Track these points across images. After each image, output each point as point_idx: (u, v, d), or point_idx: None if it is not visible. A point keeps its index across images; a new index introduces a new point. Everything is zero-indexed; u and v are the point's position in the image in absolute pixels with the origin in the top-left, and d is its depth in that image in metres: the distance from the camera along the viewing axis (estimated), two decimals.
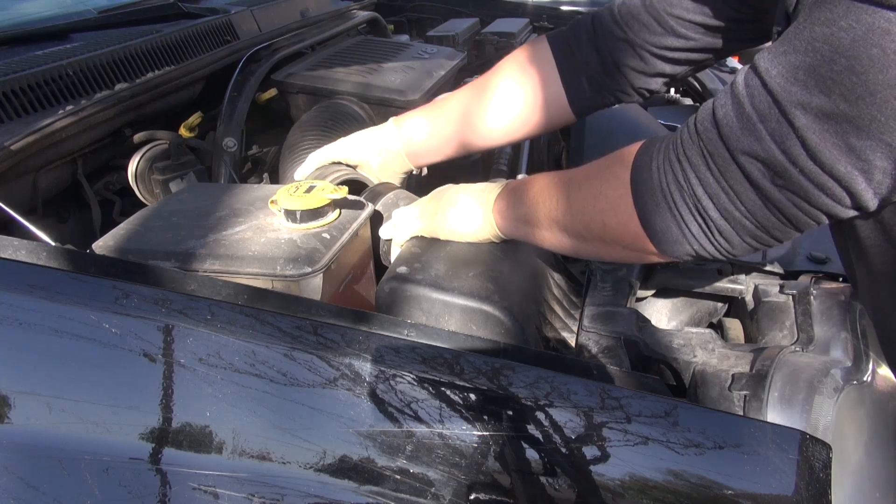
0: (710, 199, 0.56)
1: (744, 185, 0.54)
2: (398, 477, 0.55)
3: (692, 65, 0.83)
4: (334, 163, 1.04)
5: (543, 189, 0.73)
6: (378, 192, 1.03)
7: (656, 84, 0.86)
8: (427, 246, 0.82)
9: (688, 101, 1.78)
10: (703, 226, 0.58)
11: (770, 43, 0.54)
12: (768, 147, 0.51)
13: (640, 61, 0.83)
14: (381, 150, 1.00)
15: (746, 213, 0.55)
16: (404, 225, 0.85)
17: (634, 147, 0.64)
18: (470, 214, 0.79)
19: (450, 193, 0.83)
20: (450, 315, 0.72)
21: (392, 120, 1.01)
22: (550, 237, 0.73)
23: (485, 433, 0.54)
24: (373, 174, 1.02)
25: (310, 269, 0.73)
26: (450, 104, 0.97)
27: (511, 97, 0.92)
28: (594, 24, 0.86)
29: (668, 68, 0.83)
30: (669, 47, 0.80)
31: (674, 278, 0.94)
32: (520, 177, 1.10)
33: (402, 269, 0.76)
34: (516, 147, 1.33)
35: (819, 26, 0.47)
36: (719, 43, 0.78)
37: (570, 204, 0.69)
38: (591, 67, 0.87)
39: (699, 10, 0.76)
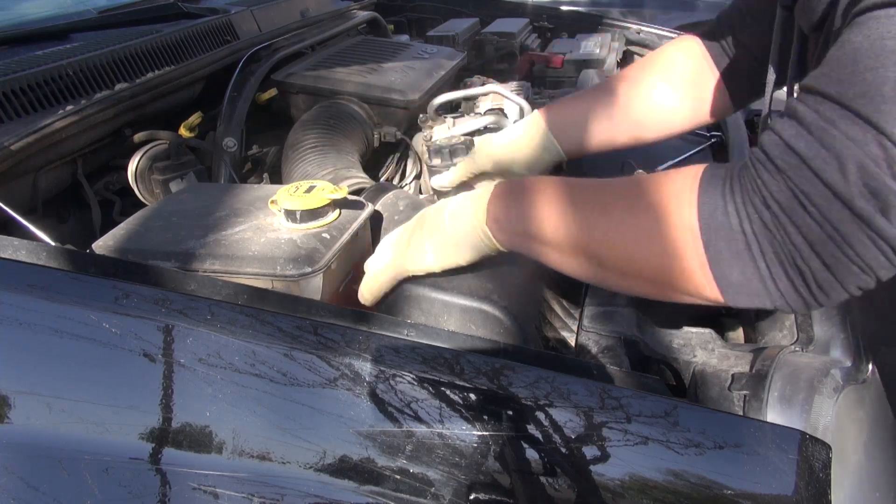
0: (812, 248, 0.48)
1: (852, 226, 0.46)
2: (398, 477, 0.55)
3: None
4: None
5: (558, 203, 0.63)
6: (378, 192, 1.03)
7: None
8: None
9: None
10: (798, 279, 0.50)
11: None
12: (875, 174, 0.44)
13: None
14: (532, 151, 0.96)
15: (855, 258, 0.47)
16: (373, 269, 0.76)
17: (685, 177, 0.56)
18: (459, 228, 0.69)
19: (428, 212, 0.73)
20: (449, 315, 0.72)
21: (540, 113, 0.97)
22: (570, 264, 0.63)
23: (485, 433, 0.54)
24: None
25: (310, 269, 0.73)
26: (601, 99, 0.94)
27: (671, 97, 0.91)
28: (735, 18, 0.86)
29: None
30: None
31: None
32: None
33: None
34: None
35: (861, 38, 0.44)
36: None
37: (608, 236, 0.59)
38: (742, 61, 0.86)
39: None
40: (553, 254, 0.64)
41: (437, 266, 0.71)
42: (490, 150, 0.99)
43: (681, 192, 0.55)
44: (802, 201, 0.47)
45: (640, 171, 1.23)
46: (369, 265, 0.77)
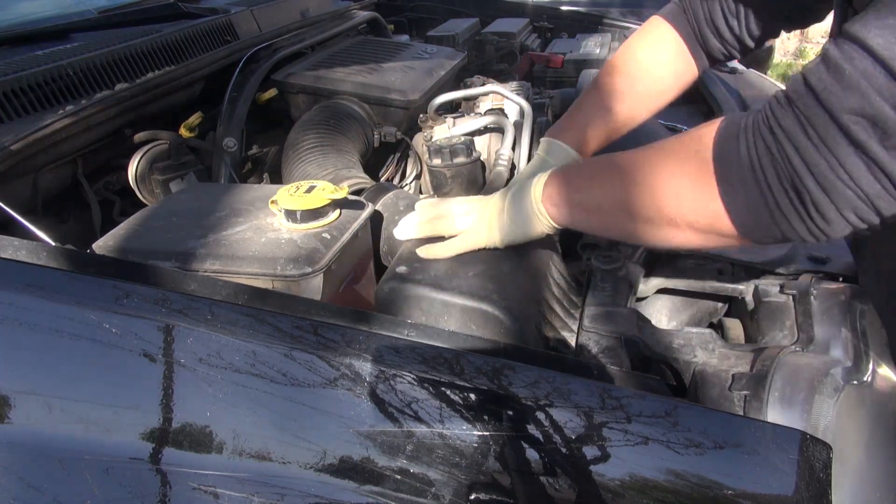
0: (808, 168, 0.51)
1: (847, 149, 0.49)
2: (398, 477, 0.55)
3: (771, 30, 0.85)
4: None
5: (601, 172, 0.70)
6: (378, 192, 1.03)
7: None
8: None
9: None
10: (797, 202, 0.53)
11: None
12: (876, 103, 0.47)
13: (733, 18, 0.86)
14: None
15: (849, 181, 0.50)
16: (453, 242, 0.80)
17: (711, 124, 0.60)
18: (519, 209, 0.76)
19: (491, 198, 0.80)
20: (449, 315, 0.72)
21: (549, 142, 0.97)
22: (613, 223, 0.69)
23: (485, 433, 0.54)
24: None
25: (310, 269, 0.73)
26: (593, 102, 0.96)
27: (649, 73, 0.93)
28: None
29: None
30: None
31: (674, 278, 0.94)
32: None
33: (402, 269, 0.76)
34: (516, 147, 1.33)
35: None
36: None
37: (639, 186, 0.64)
38: (700, 26, 0.89)
39: None
40: (604, 219, 0.70)
41: (500, 242, 0.78)
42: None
43: (704, 133, 0.60)
44: (804, 125, 0.51)
45: None
46: (456, 231, 0.82)
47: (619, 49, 0.97)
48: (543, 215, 0.75)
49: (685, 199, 0.60)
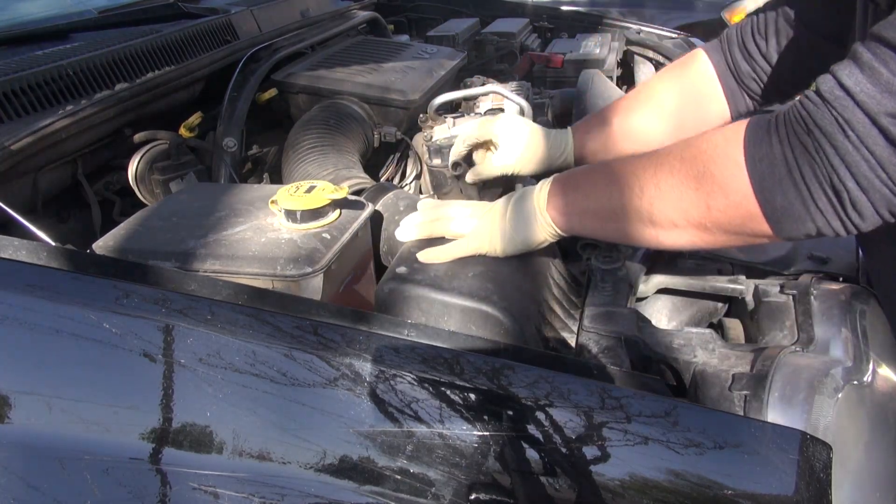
0: (848, 168, 0.53)
1: (887, 150, 0.51)
2: (398, 477, 0.55)
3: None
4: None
5: (616, 177, 0.68)
6: (378, 192, 1.03)
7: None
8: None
9: None
10: (835, 200, 0.55)
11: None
12: None
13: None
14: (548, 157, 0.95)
15: (887, 180, 0.52)
16: (456, 245, 0.79)
17: (738, 125, 0.61)
18: (522, 218, 0.75)
19: (495, 204, 0.80)
20: (449, 316, 0.72)
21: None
22: (631, 229, 0.68)
23: (485, 433, 0.54)
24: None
25: (310, 269, 0.73)
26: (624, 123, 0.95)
27: (676, 112, 0.92)
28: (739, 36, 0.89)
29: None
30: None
31: (674, 278, 0.94)
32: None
33: (402, 270, 0.76)
34: None
35: None
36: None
37: (661, 190, 0.63)
38: (744, 77, 0.89)
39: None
40: (619, 225, 0.69)
41: (502, 251, 0.77)
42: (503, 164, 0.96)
43: (730, 136, 0.60)
44: (843, 126, 0.52)
45: None
46: (457, 234, 0.81)
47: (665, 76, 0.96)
48: (548, 223, 0.74)
49: (715, 201, 0.60)
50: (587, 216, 0.71)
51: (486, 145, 0.96)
